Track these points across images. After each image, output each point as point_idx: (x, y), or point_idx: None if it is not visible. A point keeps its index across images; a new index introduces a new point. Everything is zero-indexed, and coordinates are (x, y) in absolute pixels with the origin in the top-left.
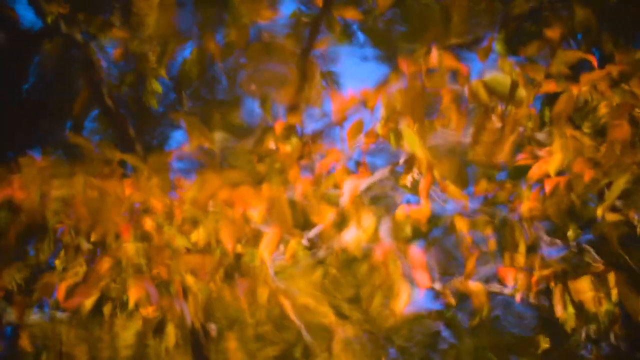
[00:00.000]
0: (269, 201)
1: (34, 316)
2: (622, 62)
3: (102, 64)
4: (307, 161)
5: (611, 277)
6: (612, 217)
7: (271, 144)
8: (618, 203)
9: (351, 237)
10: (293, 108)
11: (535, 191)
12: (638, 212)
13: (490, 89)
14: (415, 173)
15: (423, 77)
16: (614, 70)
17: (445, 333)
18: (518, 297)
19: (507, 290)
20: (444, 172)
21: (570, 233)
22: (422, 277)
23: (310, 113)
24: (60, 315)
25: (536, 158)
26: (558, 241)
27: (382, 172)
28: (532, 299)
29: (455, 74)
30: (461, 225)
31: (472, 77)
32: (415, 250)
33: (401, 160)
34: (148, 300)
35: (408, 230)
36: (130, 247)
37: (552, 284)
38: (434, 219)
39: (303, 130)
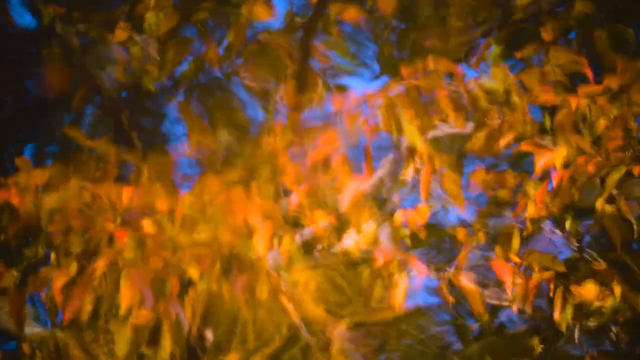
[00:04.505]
0: (260, 207)
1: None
2: (624, 71)
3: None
4: (298, 147)
5: (614, 278)
6: (609, 209)
7: (268, 143)
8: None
9: (351, 241)
10: (295, 108)
11: (541, 188)
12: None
13: (488, 92)
14: (417, 163)
15: (420, 80)
16: (613, 83)
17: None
18: (515, 308)
19: (504, 300)
20: (442, 163)
21: (568, 223)
22: (419, 267)
23: (311, 114)
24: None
25: (539, 147)
26: (558, 231)
27: (384, 168)
28: (528, 309)
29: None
30: (462, 235)
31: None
32: (416, 260)
33: (403, 150)
34: (142, 303)
35: (407, 240)
36: (126, 250)
37: (552, 287)
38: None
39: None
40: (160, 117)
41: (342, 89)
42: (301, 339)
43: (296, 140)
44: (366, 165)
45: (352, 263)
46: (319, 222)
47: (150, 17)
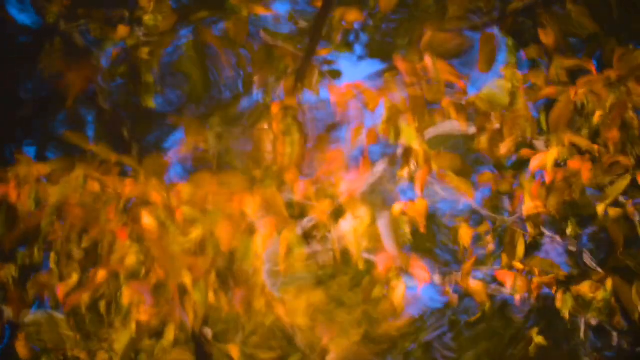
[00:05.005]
0: (264, 201)
1: (32, 315)
2: (620, 61)
3: (100, 64)
4: (307, 167)
5: (609, 280)
6: (614, 212)
7: (265, 125)
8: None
9: (348, 226)
10: (291, 92)
11: (536, 182)
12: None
13: (489, 102)
14: (412, 165)
15: (422, 85)
16: (612, 74)
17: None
18: (517, 299)
19: (505, 291)
20: (444, 164)
21: (569, 229)
22: (421, 274)
23: (308, 102)
24: (58, 315)
25: (536, 151)
26: (558, 237)
27: (380, 167)
28: (532, 301)
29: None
30: (464, 234)
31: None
32: (416, 260)
33: (399, 152)
34: (143, 303)
35: (406, 230)
36: (128, 257)
37: (554, 289)
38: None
39: (304, 123)
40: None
41: (335, 74)
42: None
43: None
44: (363, 163)
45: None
46: (325, 210)
47: (148, 20)
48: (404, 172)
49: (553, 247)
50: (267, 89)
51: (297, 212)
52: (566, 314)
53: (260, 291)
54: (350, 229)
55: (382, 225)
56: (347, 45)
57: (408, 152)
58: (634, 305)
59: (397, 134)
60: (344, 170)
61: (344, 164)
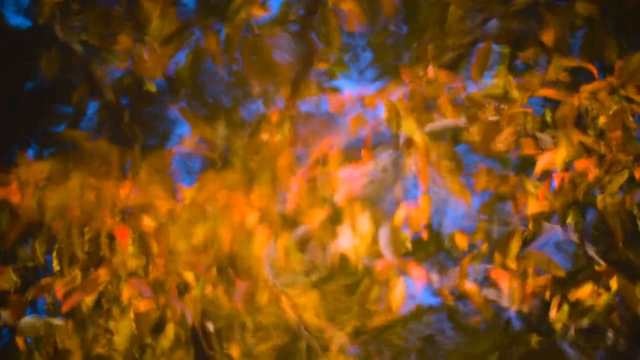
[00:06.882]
0: (260, 208)
1: (29, 319)
2: (621, 68)
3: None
4: (301, 147)
5: (612, 276)
6: (611, 202)
7: (265, 135)
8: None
9: (347, 242)
10: (291, 98)
11: (543, 187)
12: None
13: (486, 95)
14: (414, 155)
15: (423, 88)
16: (614, 80)
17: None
18: (514, 308)
19: (503, 301)
20: (438, 152)
21: (569, 219)
22: (418, 273)
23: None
24: (57, 320)
25: (541, 150)
26: (558, 227)
27: (383, 156)
28: (525, 310)
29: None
30: (461, 241)
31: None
32: (415, 268)
33: (401, 143)
34: (142, 296)
35: (407, 242)
36: (128, 258)
37: (547, 294)
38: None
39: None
40: (160, 117)
41: (336, 90)
42: (302, 339)
43: (294, 136)
44: (365, 152)
45: (350, 272)
46: (316, 219)
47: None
48: (409, 160)
49: (551, 241)
50: (266, 98)
51: (289, 220)
52: (559, 326)
53: (264, 284)
54: (350, 248)
55: (382, 238)
56: (345, 65)
57: (410, 142)
58: (636, 304)
59: (399, 125)
60: (341, 161)
61: (341, 152)
